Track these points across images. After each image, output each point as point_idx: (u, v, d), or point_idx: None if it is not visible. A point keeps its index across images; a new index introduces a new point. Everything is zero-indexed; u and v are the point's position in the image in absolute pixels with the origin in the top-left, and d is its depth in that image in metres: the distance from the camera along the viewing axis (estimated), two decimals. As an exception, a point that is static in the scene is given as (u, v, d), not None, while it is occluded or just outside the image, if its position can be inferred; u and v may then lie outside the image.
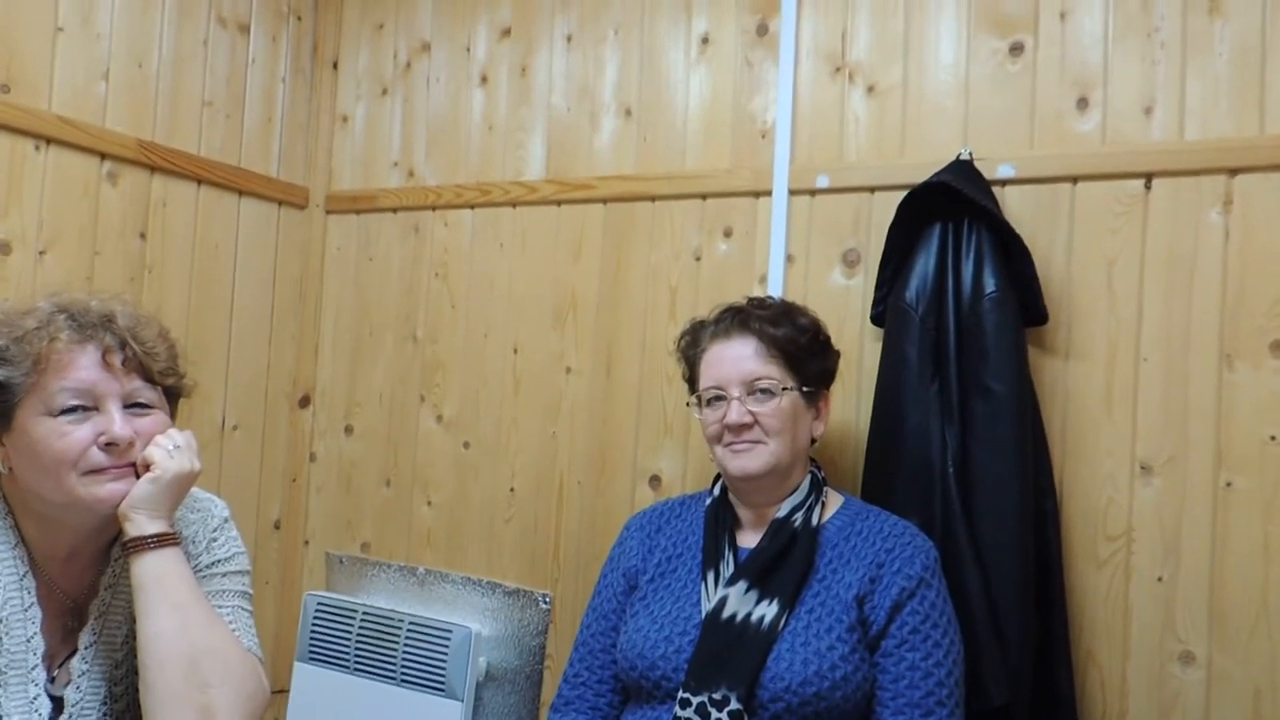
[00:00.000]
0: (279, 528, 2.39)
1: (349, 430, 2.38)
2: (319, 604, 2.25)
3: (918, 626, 1.40)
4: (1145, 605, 1.59)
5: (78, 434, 1.17)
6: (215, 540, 1.33)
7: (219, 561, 1.32)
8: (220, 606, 1.27)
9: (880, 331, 1.75)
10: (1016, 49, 1.74)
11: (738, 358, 1.54)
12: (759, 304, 1.61)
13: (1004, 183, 1.71)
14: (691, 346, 1.63)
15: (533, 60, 2.21)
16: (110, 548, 1.28)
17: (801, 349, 1.55)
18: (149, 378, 1.25)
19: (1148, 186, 1.62)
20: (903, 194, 1.70)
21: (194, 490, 1.33)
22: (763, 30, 1.96)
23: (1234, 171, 1.56)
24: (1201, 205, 1.58)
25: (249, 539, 2.29)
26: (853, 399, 1.82)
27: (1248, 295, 1.54)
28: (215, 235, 2.20)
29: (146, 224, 2.05)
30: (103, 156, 1.95)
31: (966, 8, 1.78)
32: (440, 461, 2.26)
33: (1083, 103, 1.68)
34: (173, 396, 1.31)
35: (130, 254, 2.02)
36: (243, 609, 1.31)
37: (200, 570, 1.29)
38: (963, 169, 1.68)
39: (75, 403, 1.18)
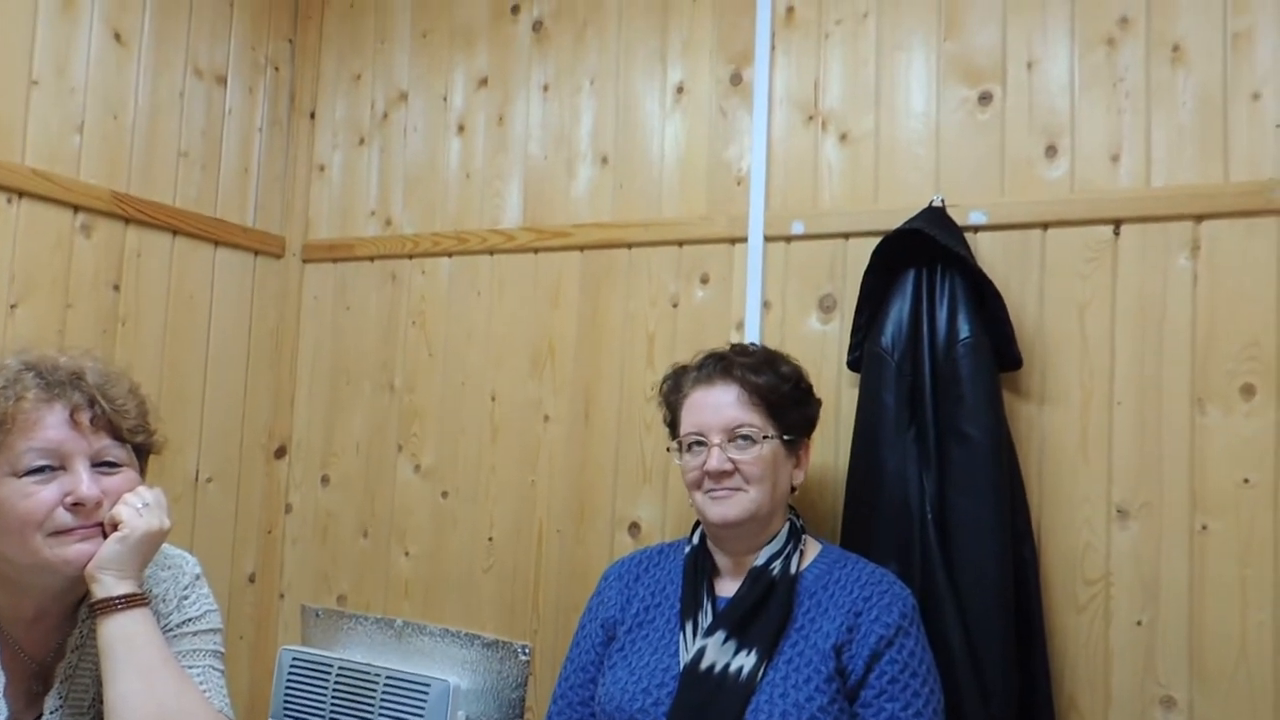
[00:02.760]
0: (254, 581, 2.36)
1: (325, 481, 2.36)
2: (294, 659, 2.21)
3: (896, 676, 1.39)
4: (1125, 650, 1.58)
5: (43, 494, 1.15)
6: (186, 599, 1.31)
7: (190, 620, 1.29)
8: (191, 667, 1.25)
9: (857, 377, 1.75)
10: (985, 98, 1.77)
11: (719, 404, 1.53)
12: (741, 351, 1.61)
13: (976, 229, 1.73)
14: (673, 392, 1.63)
15: (510, 109, 2.22)
16: (77, 608, 1.26)
17: (783, 397, 1.55)
18: (118, 435, 1.23)
19: (1116, 233, 1.65)
20: (877, 240, 1.72)
21: (165, 547, 1.32)
22: (736, 80, 1.99)
23: (1200, 218, 1.59)
24: (1170, 251, 1.61)
25: (223, 593, 2.25)
26: (831, 444, 1.82)
27: (1217, 339, 1.56)
28: (190, 286, 2.19)
29: (120, 276, 2.04)
30: (76, 209, 1.94)
31: (935, 57, 1.81)
32: (418, 511, 2.23)
33: (1051, 150, 1.71)
34: (143, 453, 1.30)
35: (103, 306, 2.00)
36: (214, 669, 1.28)
37: (171, 630, 1.27)
38: (935, 215, 1.70)
39: (42, 462, 1.16)
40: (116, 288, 2.03)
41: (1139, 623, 1.58)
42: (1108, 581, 1.60)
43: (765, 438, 1.51)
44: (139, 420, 1.26)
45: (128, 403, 1.25)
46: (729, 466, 1.49)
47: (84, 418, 1.20)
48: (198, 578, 1.34)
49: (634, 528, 1.99)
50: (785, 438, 1.53)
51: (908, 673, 1.39)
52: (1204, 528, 1.55)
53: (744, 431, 1.51)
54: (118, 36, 2.03)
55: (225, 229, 2.26)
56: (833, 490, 1.80)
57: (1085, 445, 1.63)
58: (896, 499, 1.62)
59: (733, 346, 1.63)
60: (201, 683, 1.24)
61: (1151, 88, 1.65)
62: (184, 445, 2.18)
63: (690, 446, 1.55)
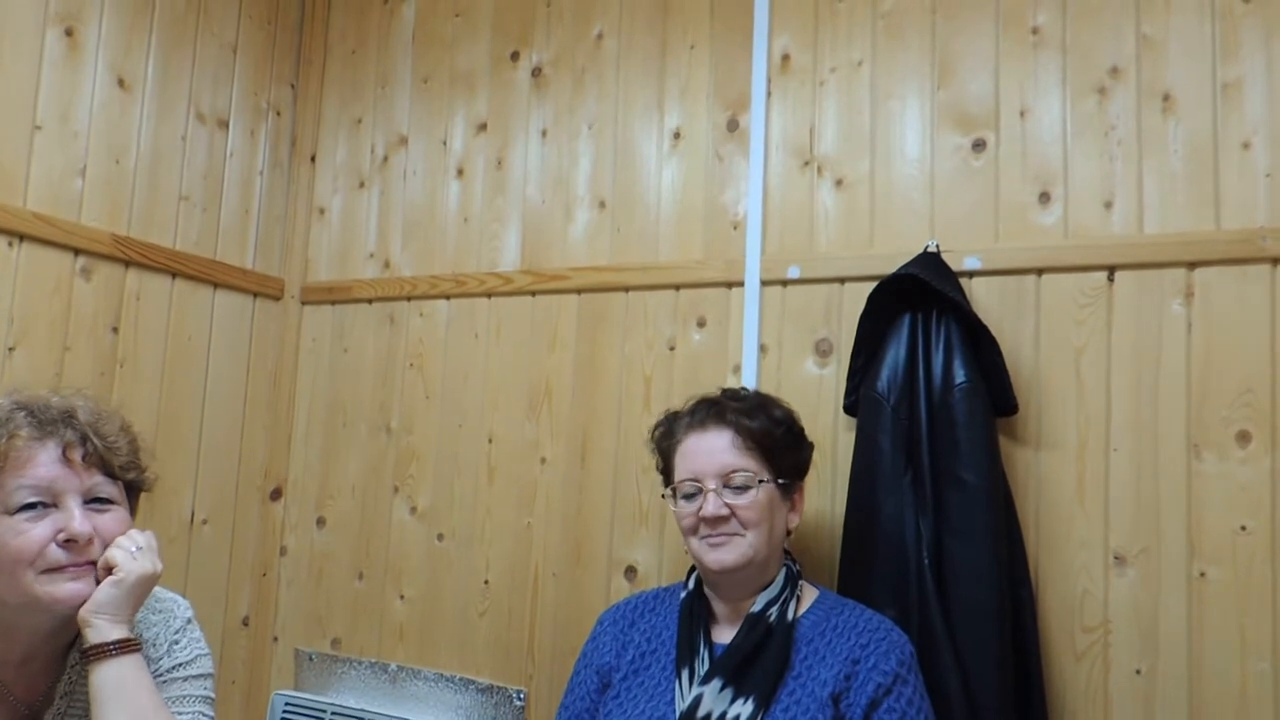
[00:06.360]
0: (247, 624, 2.34)
1: (321, 522, 2.35)
2: (287, 703, 2.19)
3: (895, 726, 1.38)
4: (1125, 699, 1.57)
5: (35, 532, 1.16)
6: (177, 643, 1.30)
7: (180, 665, 1.29)
8: (181, 713, 1.24)
9: (853, 421, 1.75)
10: (979, 145, 1.79)
11: (713, 450, 1.53)
12: (733, 395, 1.61)
13: (971, 274, 1.74)
14: (666, 438, 1.62)
15: (508, 153, 2.24)
16: (67, 652, 1.25)
17: (777, 441, 1.55)
18: (110, 473, 1.25)
19: (1110, 279, 1.66)
20: (872, 285, 1.73)
21: (156, 590, 1.32)
22: (733, 125, 2.01)
23: (1193, 265, 1.60)
24: (1164, 297, 1.61)
25: (216, 636, 2.24)
26: (827, 489, 1.81)
27: (1212, 386, 1.57)
28: (189, 327, 2.20)
29: (119, 318, 2.04)
30: (77, 252, 1.95)
31: (930, 105, 1.83)
32: (414, 554, 2.22)
33: (1044, 197, 1.72)
34: (134, 491, 1.30)
35: (101, 348, 2.01)
36: (204, 715, 1.28)
37: (161, 675, 1.26)
38: (930, 261, 1.71)
39: (33, 499, 1.17)
40: (115, 330, 2.03)
41: (1138, 671, 1.56)
42: (1106, 629, 1.59)
43: (760, 482, 1.50)
44: (131, 457, 1.28)
45: (119, 440, 1.26)
46: (725, 512, 1.49)
47: (76, 455, 1.20)
48: (189, 621, 1.34)
49: (630, 571, 1.98)
50: (780, 481, 1.53)
51: (905, 722, 1.38)
52: (1202, 575, 1.54)
53: (739, 477, 1.50)
54: (121, 82, 2.05)
55: (225, 271, 2.27)
56: (830, 535, 1.79)
57: (1082, 491, 1.63)
58: (893, 544, 1.62)
59: (724, 391, 1.63)
60: None
61: (1143, 136, 1.67)
62: (179, 487, 2.17)
63: (686, 493, 1.54)
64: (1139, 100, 1.68)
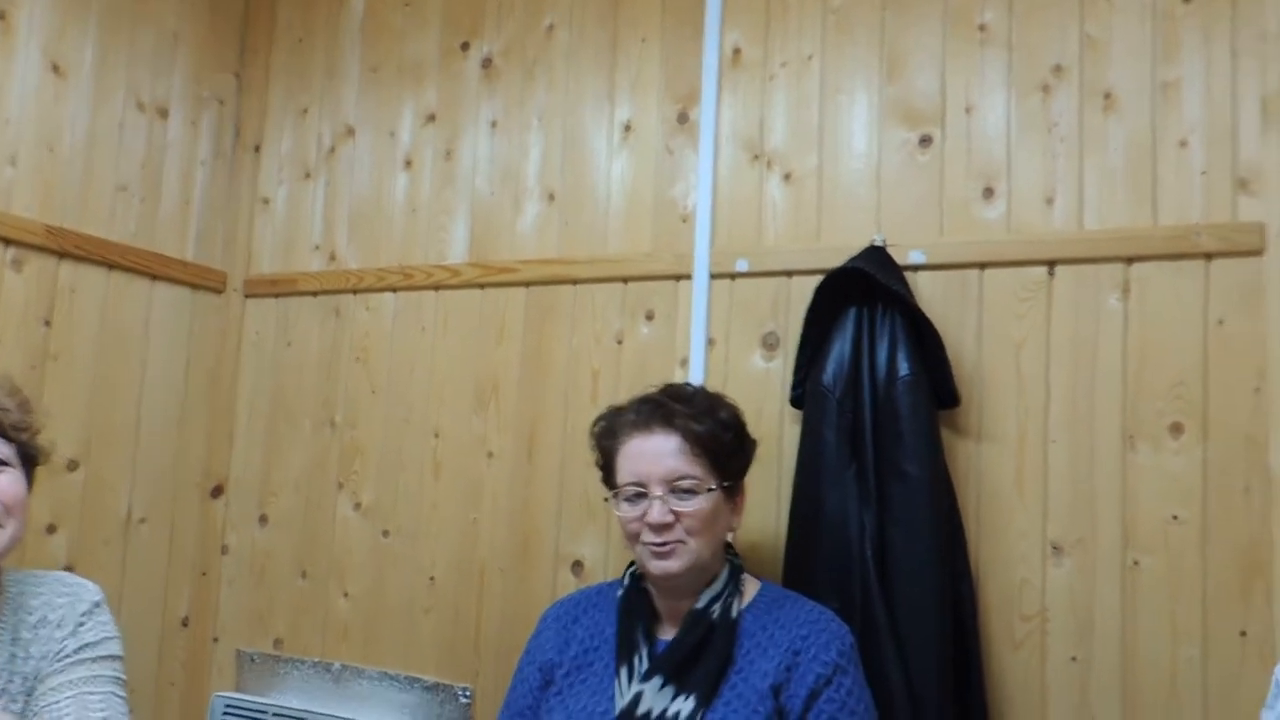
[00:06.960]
0: (187, 625, 2.29)
1: (263, 520, 2.31)
2: (227, 705, 2.15)
3: (834, 715, 1.37)
4: (1061, 686, 1.59)
5: None
6: (84, 625, 1.29)
7: (88, 645, 1.28)
8: (92, 692, 1.24)
9: (799, 414, 1.76)
10: (925, 140, 1.80)
11: (659, 454, 1.48)
12: (678, 395, 1.56)
13: (915, 268, 1.76)
14: (608, 436, 1.57)
15: (457, 145, 2.22)
16: None
17: (725, 446, 1.51)
18: (2, 433, 1.25)
19: (1051, 273, 1.68)
20: (819, 278, 1.73)
21: (63, 575, 1.33)
22: (683, 119, 2.01)
23: (1131, 260, 1.62)
24: (1101, 292, 1.64)
25: (154, 638, 2.19)
26: (773, 481, 1.81)
27: (1147, 378, 1.59)
28: (125, 321, 2.14)
29: (52, 310, 1.99)
30: (7, 242, 1.90)
31: (877, 100, 1.84)
32: (358, 550, 2.19)
33: (988, 192, 1.74)
34: (30, 461, 1.30)
35: (32, 342, 1.95)
36: (116, 695, 1.28)
37: (67, 655, 1.26)
38: (876, 255, 1.72)
39: None
40: (48, 323, 1.98)
41: (1074, 658, 1.59)
42: (1044, 617, 1.61)
43: (708, 490, 1.47)
44: (21, 417, 1.28)
45: (8, 401, 1.27)
46: (670, 519, 1.45)
47: None
48: (97, 605, 1.33)
49: (577, 566, 1.97)
50: (725, 485, 1.51)
51: (845, 711, 1.38)
52: (1135, 563, 1.56)
53: (686, 484, 1.46)
54: (55, 68, 2.00)
55: (163, 263, 2.22)
56: (775, 527, 1.79)
57: (1021, 482, 1.65)
58: (837, 536, 1.62)
59: (667, 389, 1.58)
60: (104, 709, 1.22)
61: (1084, 133, 1.69)
62: (115, 484, 2.12)
63: (629, 495, 1.50)
64: (1081, 98, 1.70)
